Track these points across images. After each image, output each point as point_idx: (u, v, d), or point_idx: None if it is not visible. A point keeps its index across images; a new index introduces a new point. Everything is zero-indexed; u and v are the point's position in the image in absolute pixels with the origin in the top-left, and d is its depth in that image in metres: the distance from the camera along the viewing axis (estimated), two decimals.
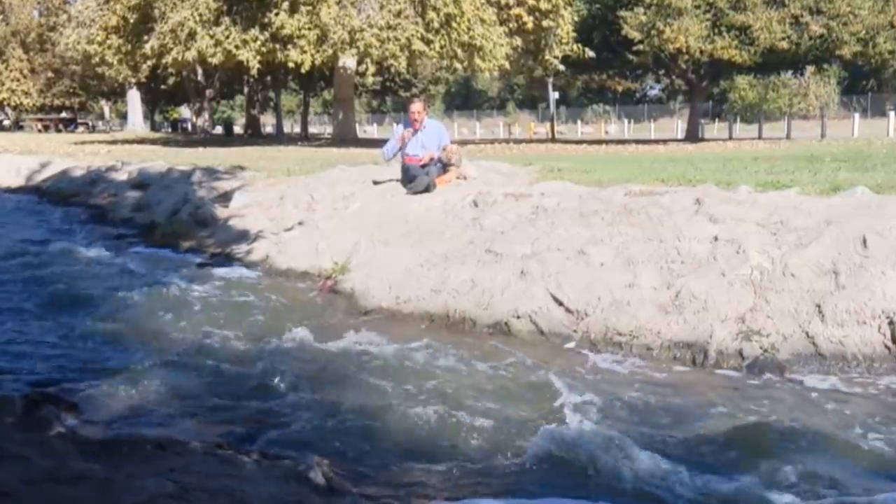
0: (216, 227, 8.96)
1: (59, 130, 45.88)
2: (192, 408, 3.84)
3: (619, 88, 41.39)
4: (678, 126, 40.65)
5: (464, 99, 70.68)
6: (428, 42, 20.92)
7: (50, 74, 47.12)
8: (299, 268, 7.15)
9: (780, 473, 3.08)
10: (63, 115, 52.05)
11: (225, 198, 9.87)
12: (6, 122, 51.48)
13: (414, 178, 8.06)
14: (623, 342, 4.89)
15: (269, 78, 35.39)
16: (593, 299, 5.18)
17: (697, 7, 24.35)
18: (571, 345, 5.02)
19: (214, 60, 21.44)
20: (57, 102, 49.80)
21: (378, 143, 17.51)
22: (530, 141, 30.98)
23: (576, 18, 26.09)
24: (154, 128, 49.99)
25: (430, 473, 3.13)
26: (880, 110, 36.92)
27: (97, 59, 25.10)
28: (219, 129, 42.12)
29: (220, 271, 7.28)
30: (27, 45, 47.03)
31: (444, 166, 8.29)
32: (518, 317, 5.27)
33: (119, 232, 9.96)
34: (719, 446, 3.36)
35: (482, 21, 21.64)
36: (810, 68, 31.56)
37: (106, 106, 63.45)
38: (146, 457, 2.78)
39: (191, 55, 21.09)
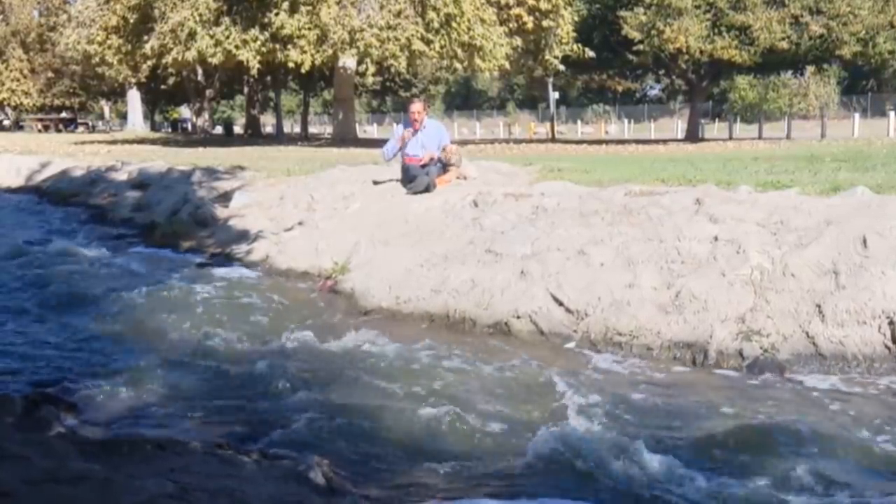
0: (216, 227, 8.96)
1: (59, 130, 45.88)
2: (192, 408, 3.84)
3: (619, 88, 41.40)
4: (678, 126, 40.66)
5: (464, 99, 70.68)
6: (428, 42, 20.92)
7: (50, 74, 47.12)
8: (299, 268, 7.15)
9: (781, 473, 3.08)
10: (63, 115, 52.05)
11: (225, 198, 9.87)
12: (6, 122, 51.48)
13: (414, 178, 8.06)
14: (623, 342, 4.89)
15: (269, 78, 35.39)
16: (593, 299, 5.18)
17: (697, 7, 24.36)
18: (571, 345, 5.02)
19: (214, 60, 21.44)
20: (57, 102, 49.81)
21: (378, 143, 17.51)
22: (530, 141, 30.98)
23: (576, 18, 26.08)
24: (154, 128, 49.99)
25: (430, 473, 3.13)
26: (880, 110, 36.92)
27: (97, 59, 25.10)
28: (219, 129, 42.12)
29: (220, 271, 7.28)
30: (27, 45, 47.03)
31: (444, 166, 8.29)
32: (518, 317, 5.27)
33: (119, 232, 9.96)
34: (719, 446, 3.36)
35: (482, 21, 21.64)
36: (810, 68, 31.57)
37: (106, 106, 63.45)
38: (146, 457, 2.78)
39: (191, 55, 21.09)
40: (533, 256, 5.76)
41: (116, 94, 50.28)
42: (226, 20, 21.07)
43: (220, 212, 9.33)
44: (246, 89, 38.39)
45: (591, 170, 9.97)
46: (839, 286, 4.68)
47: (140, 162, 14.33)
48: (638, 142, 27.07)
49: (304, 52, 20.42)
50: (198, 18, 20.52)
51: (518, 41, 24.07)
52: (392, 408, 3.77)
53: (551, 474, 3.10)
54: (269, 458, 3.03)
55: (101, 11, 24.25)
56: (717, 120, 45.92)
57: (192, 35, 20.67)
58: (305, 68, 21.33)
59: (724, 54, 24.37)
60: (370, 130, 51.14)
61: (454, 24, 20.99)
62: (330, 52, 20.58)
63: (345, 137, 25.82)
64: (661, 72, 32.53)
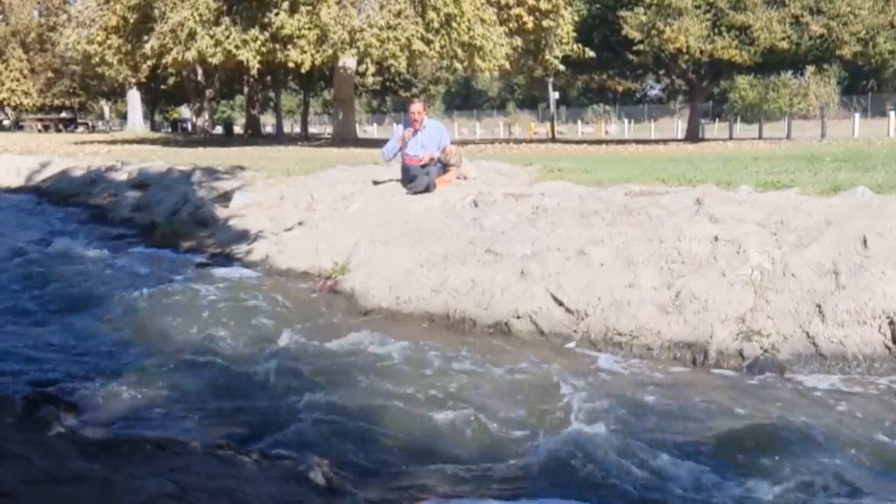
0: (216, 227, 8.96)
1: (59, 130, 45.88)
2: (192, 408, 3.84)
3: (620, 88, 41.40)
4: (678, 126, 40.66)
5: (464, 99, 70.68)
6: (428, 42, 20.91)
7: (50, 74, 47.12)
8: (299, 268, 7.15)
9: (781, 473, 3.07)
10: (63, 115, 52.05)
11: (225, 198, 9.87)
12: (6, 122, 51.48)
13: (414, 178, 8.06)
14: (623, 342, 4.89)
15: (269, 78, 35.40)
16: (593, 299, 5.18)
17: (697, 7, 24.35)
18: (572, 345, 5.02)
19: (214, 60, 21.44)
20: (57, 102, 49.81)
21: (378, 143, 17.51)
22: (530, 141, 30.98)
23: (576, 18, 26.08)
24: (154, 128, 49.99)
25: (430, 473, 3.13)
26: (880, 110, 36.93)
27: (97, 59, 25.10)
28: (219, 129, 42.13)
29: (220, 271, 7.28)
30: (27, 45, 47.03)
31: (444, 166, 8.29)
32: (518, 317, 5.27)
33: (119, 232, 9.96)
34: (720, 446, 3.36)
35: (482, 21, 21.64)
36: (810, 68, 31.56)
37: (106, 106, 63.46)
38: (146, 457, 2.77)
39: (191, 55, 21.09)
40: (533, 256, 5.76)
41: (116, 94, 50.28)
42: (226, 20, 21.07)
43: (220, 212, 9.33)
44: (246, 89, 38.39)
45: (592, 170, 9.97)
46: (839, 286, 4.68)
47: (140, 162, 14.33)
48: (638, 142, 27.07)
49: (304, 52, 20.42)
50: (198, 18, 20.52)
51: (518, 41, 24.07)
52: (392, 408, 3.77)
53: (551, 474, 3.10)
54: (269, 458, 3.02)
55: (101, 11, 24.25)
56: (717, 120, 45.91)
57: (192, 35, 20.67)
58: (305, 68, 21.33)
59: (725, 54, 24.37)
60: (370, 130, 51.14)
61: (454, 24, 20.99)
62: (330, 52, 20.58)
63: (345, 137, 25.82)
64: (662, 72, 32.53)
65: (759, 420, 3.67)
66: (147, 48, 22.12)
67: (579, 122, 53.02)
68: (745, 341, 4.59)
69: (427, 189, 7.92)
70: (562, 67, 27.33)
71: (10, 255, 7.88)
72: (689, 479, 3.05)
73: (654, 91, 59.44)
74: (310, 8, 20.18)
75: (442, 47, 21.32)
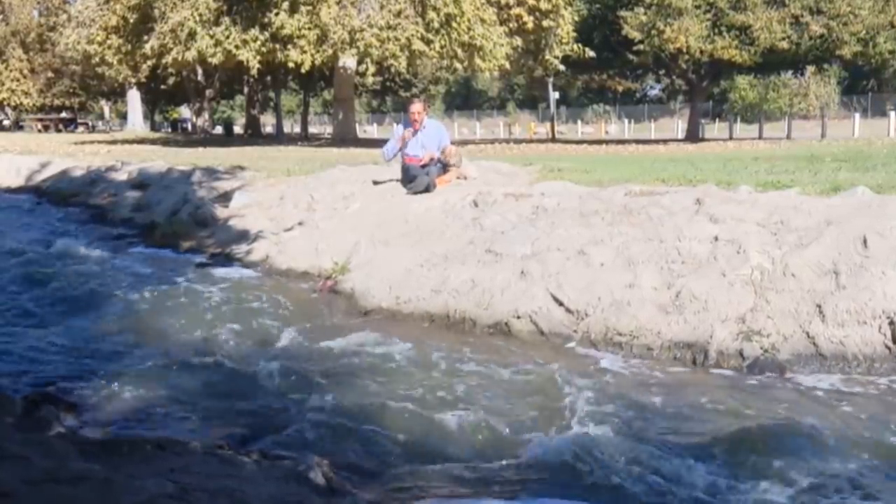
0: (216, 227, 8.96)
1: (59, 130, 45.88)
2: (193, 408, 3.84)
3: (620, 88, 41.39)
4: (678, 126, 40.66)
5: (464, 99, 70.68)
6: (428, 42, 20.91)
7: (50, 74, 47.12)
8: (299, 268, 7.14)
9: (780, 473, 3.07)
10: (63, 115, 52.05)
11: (225, 198, 9.87)
12: (6, 122, 51.48)
13: (414, 178, 8.06)
14: (623, 342, 4.89)
15: (269, 78, 35.40)
16: (593, 299, 5.18)
17: (698, 7, 24.35)
18: (572, 345, 5.02)
19: (214, 60, 21.44)
20: (57, 102, 49.81)
21: (378, 143, 17.51)
22: (530, 141, 30.98)
23: (576, 18, 26.08)
24: (154, 128, 49.99)
25: (430, 473, 3.13)
26: (881, 110, 36.93)
27: (97, 59, 25.10)
28: (219, 129, 42.13)
29: (220, 271, 7.28)
30: (27, 45, 47.03)
31: (444, 166, 8.29)
32: (518, 317, 5.27)
33: (119, 232, 9.96)
34: (720, 446, 3.36)
35: (482, 21, 21.64)
36: (810, 68, 31.55)
37: (106, 106, 63.46)
38: (146, 457, 2.77)
39: (191, 55, 21.09)
40: (533, 256, 5.76)
41: (116, 94, 50.28)
42: (226, 20, 21.07)
43: (220, 212, 9.33)
44: (246, 89, 38.39)
45: (592, 170, 9.97)
46: (839, 286, 4.68)
47: (140, 162, 14.33)
48: (638, 142, 27.07)
49: (304, 52, 20.42)
50: (198, 18, 20.52)
51: (518, 41, 24.07)
52: (392, 408, 3.77)
53: (551, 474, 3.10)
54: (269, 458, 3.02)
55: (101, 11, 24.25)
56: (717, 120, 45.91)
57: (192, 35, 20.67)
58: (305, 68, 21.33)
59: (725, 54, 24.37)
60: (370, 130, 51.14)
61: (454, 24, 20.99)
62: (330, 52, 20.58)
63: (345, 137, 25.82)
64: (662, 72, 32.53)
65: (759, 420, 3.66)
66: (147, 48, 22.12)
67: (579, 122, 53.02)
68: (745, 341, 4.59)
69: (427, 189, 7.92)
70: (562, 67, 27.33)
71: (10, 255, 7.88)
72: (689, 479, 3.05)
73: (654, 91, 59.44)
74: (310, 8, 20.18)
75: (442, 47, 21.32)
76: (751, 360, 4.47)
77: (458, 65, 23.05)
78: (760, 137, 29.09)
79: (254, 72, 23.14)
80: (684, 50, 24.32)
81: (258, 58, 21.13)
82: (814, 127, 31.35)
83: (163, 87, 43.18)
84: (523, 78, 40.67)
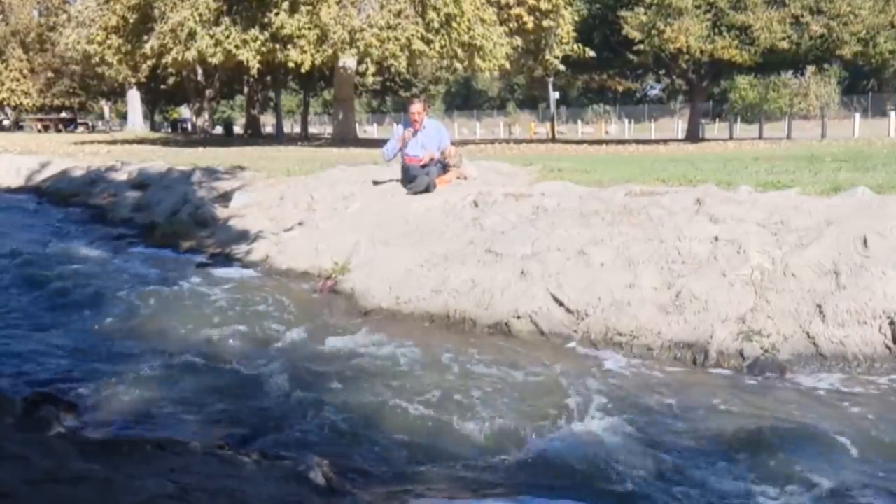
0: (216, 227, 8.96)
1: (58, 130, 45.87)
2: (192, 408, 3.84)
3: (620, 88, 41.38)
4: (679, 126, 40.66)
5: (464, 99, 70.68)
6: (428, 42, 20.91)
7: (50, 74, 47.11)
8: (299, 268, 7.14)
9: (780, 473, 3.07)
10: (63, 115, 52.04)
11: (225, 198, 9.87)
12: (6, 122, 51.47)
13: (414, 178, 8.06)
14: (623, 342, 4.89)
15: (269, 78, 35.39)
16: (594, 299, 5.18)
17: (698, 7, 24.35)
18: (572, 345, 5.01)
19: (214, 60, 21.43)
20: (57, 102, 49.80)
21: (378, 143, 17.51)
22: (530, 141, 30.98)
23: (576, 18, 26.07)
24: (154, 128, 49.98)
25: (430, 473, 3.13)
26: (881, 110, 36.93)
27: (97, 59, 25.09)
28: (219, 129, 42.12)
29: (220, 271, 7.28)
30: (27, 45, 47.02)
31: (444, 166, 8.29)
32: (518, 317, 5.27)
33: (119, 232, 9.95)
34: (720, 446, 3.36)
35: (482, 21, 21.63)
36: (811, 68, 31.55)
37: (106, 106, 63.45)
38: (146, 457, 2.77)
39: (191, 55, 21.08)
40: (533, 256, 5.76)
41: (116, 94, 50.28)
42: (226, 20, 21.06)
43: (220, 212, 9.33)
44: (246, 89, 38.39)
45: (592, 170, 9.97)
46: (840, 286, 4.68)
47: (140, 162, 14.33)
48: (638, 142, 27.07)
49: (304, 52, 20.42)
50: (198, 18, 20.51)
51: (518, 41, 24.07)
52: (392, 408, 3.77)
53: (552, 474, 3.10)
54: (269, 458, 3.02)
55: (100, 11, 24.25)
56: (717, 120, 45.91)
57: (192, 35, 20.66)
58: (305, 68, 21.33)
59: (725, 54, 24.36)
60: (370, 130, 51.13)
61: (454, 24, 20.99)
62: (330, 52, 20.58)
63: (345, 137, 25.82)
64: (662, 72, 32.52)
65: (759, 420, 3.66)
66: (147, 48, 22.12)
67: (579, 122, 53.02)
68: (745, 341, 4.58)
69: (427, 189, 7.92)
70: (562, 67, 27.32)
71: (11, 255, 7.88)
72: (689, 479, 3.05)
73: (655, 91, 59.44)
74: (310, 8, 20.18)
75: (442, 47, 21.32)
76: (751, 360, 4.47)
77: (458, 65, 23.04)
78: (760, 137, 29.09)
79: (254, 72, 23.13)
80: (684, 50, 24.31)
81: (258, 58, 21.13)
82: (814, 127, 31.35)
83: (163, 87, 43.18)
84: (523, 78, 40.67)
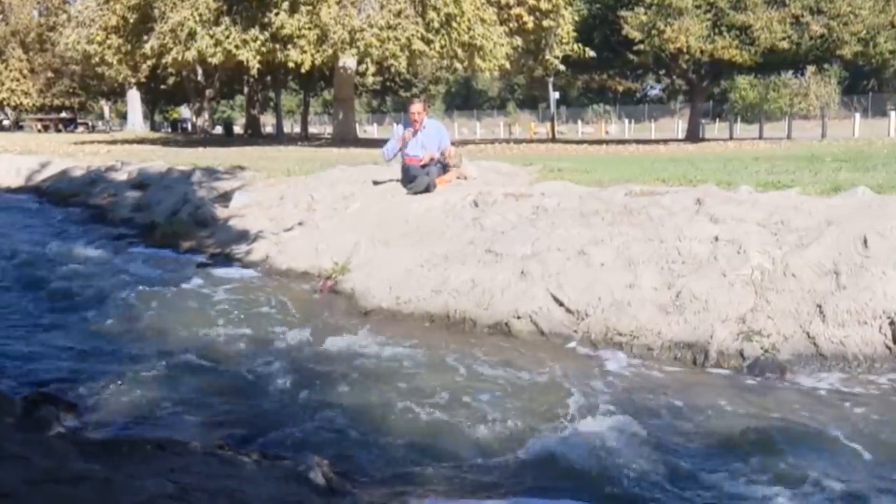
0: (216, 227, 8.96)
1: (58, 130, 45.88)
2: (192, 408, 3.84)
3: (620, 88, 41.37)
4: (679, 126, 40.66)
5: (464, 99, 70.68)
6: (428, 42, 20.91)
7: (50, 74, 47.11)
8: (299, 268, 7.14)
9: (781, 473, 3.07)
10: (63, 115, 52.04)
11: (225, 198, 9.87)
12: (6, 122, 51.48)
13: (414, 179, 8.06)
14: (624, 342, 4.89)
15: (269, 78, 35.39)
16: (594, 299, 5.18)
17: (698, 7, 24.35)
18: (572, 345, 5.01)
19: (214, 60, 21.43)
20: (57, 102, 49.80)
21: (378, 143, 17.51)
22: (531, 141, 30.98)
23: (576, 18, 26.07)
24: (154, 128, 49.98)
25: (431, 473, 3.13)
26: (881, 110, 36.93)
27: (97, 59, 25.09)
28: (219, 129, 42.12)
29: (220, 271, 7.27)
30: (27, 45, 47.02)
31: (444, 166, 8.29)
32: (518, 317, 5.27)
33: (119, 232, 9.95)
34: (720, 447, 3.36)
35: (482, 21, 21.63)
36: (811, 68, 31.57)
37: (106, 106, 63.46)
38: (146, 457, 2.77)
39: (191, 55, 21.08)
40: (533, 256, 5.76)
41: (116, 94, 50.28)
42: (226, 20, 21.06)
43: (220, 212, 9.33)
44: (246, 89, 38.38)
45: (592, 170, 9.97)
46: (840, 286, 4.68)
47: (140, 162, 14.33)
48: (638, 142, 27.07)
49: (304, 52, 20.41)
50: (198, 18, 20.51)
51: (518, 41, 24.06)
52: (392, 408, 3.77)
53: (552, 474, 3.10)
54: (269, 458, 3.02)
55: (100, 11, 24.24)
56: (717, 120, 45.91)
57: (192, 35, 20.66)
58: (305, 68, 21.32)
59: (725, 54, 24.36)
60: (370, 130, 51.14)
61: (454, 24, 20.98)
62: (330, 52, 20.57)
63: (345, 137, 25.82)
64: (662, 72, 32.52)
65: (759, 420, 3.66)
66: (147, 48, 22.11)
67: (579, 122, 53.02)
68: (745, 341, 4.58)
69: (427, 189, 7.92)
70: (562, 67, 27.32)
71: (11, 255, 7.88)
72: (689, 479, 3.05)
73: (655, 91, 59.44)
74: (310, 8, 20.18)
75: (442, 47, 21.32)
76: (751, 361, 4.47)
77: (458, 65, 23.04)
78: (761, 137, 29.09)
79: (254, 72, 23.13)
80: (684, 50, 24.31)
81: (258, 58, 21.12)
82: (814, 127, 31.36)
83: (163, 87, 43.18)
84: (523, 78, 40.67)
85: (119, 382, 4.07)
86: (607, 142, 28.04)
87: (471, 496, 2.93)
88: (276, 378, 4.15)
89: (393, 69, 29.22)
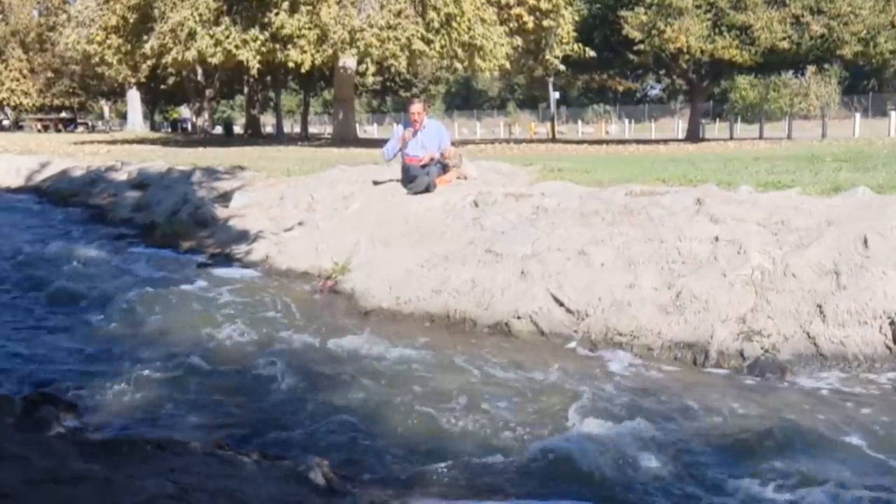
0: (216, 227, 8.95)
1: (58, 130, 45.88)
2: (192, 408, 3.84)
3: (620, 88, 41.38)
4: (679, 126, 40.66)
5: (464, 99, 70.68)
6: (428, 42, 20.91)
7: (50, 74, 47.11)
8: (299, 268, 7.14)
9: (781, 474, 3.07)
10: (63, 115, 52.05)
11: (225, 198, 9.87)
12: (6, 122, 51.48)
13: (414, 179, 8.06)
14: (624, 342, 4.89)
15: (269, 78, 35.39)
16: (594, 300, 5.17)
17: (698, 7, 24.35)
18: (572, 345, 5.01)
19: (214, 60, 21.43)
20: (57, 102, 49.80)
21: (378, 143, 17.50)
22: (531, 141, 30.97)
23: (576, 18, 26.07)
24: (154, 128, 49.98)
25: (430, 473, 3.13)
26: (881, 110, 36.94)
27: (97, 59, 25.09)
28: (219, 129, 42.12)
29: (220, 271, 7.27)
30: (27, 45, 47.02)
31: (444, 166, 8.29)
32: (518, 317, 5.27)
33: (119, 232, 9.96)
34: (720, 447, 3.36)
35: (482, 21, 21.63)
36: (811, 68, 31.57)
37: (106, 106, 63.46)
38: (146, 457, 2.77)
39: (191, 55, 21.08)
40: (533, 256, 5.76)
41: (116, 94, 50.27)
42: (226, 20, 21.06)
43: (220, 212, 9.33)
44: (246, 89, 38.38)
45: (592, 170, 9.96)
46: (840, 286, 4.67)
47: (140, 162, 14.33)
48: (638, 142, 27.07)
49: (304, 51, 20.41)
50: (198, 18, 20.51)
51: (518, 41, 24.06)
52: (392, 408, 3.77)
53: (552, 474, 3.10)
54: (269, 458, 3.02)
55: (100, 11, 24.24)
56: (717, 120, 45.91)
57: (191, 35, 20.66)
58: (305, 68, 21.32)
59: (725, 54, 24.36)
60: (370, 130, 51.13)
61: (454, 24, 20.98)
62: (330, 51, 20.57)
63: (345, 137, 25.81)
64: (662, 72, 32.53)
65: (759, 420, 3.66)
66: (147, 48, 22.12)
67: (580, 121, 53.02)
68: (745, 341, 4.58)
69: (427, 189, 7.92)
70: (562, 67, 27.32)
71: (11, 255, 7.88)
72: (690, 479, 3.05)
73: (655, 91, 59.45)
74: (310, 8, 20.18)
75: (442, 47, 21.32)
76: (751, 361, 4.47)
77: (458, 65, 23.05)
78: (761, 137, 29.09)
79: (254, 72, 23.13)
80: (685, 50, 24.32)
81: (258, 58, 21.12)
82: (814, 127, 31.37)
83: (163, 87, 43.17)
84: (523, 78, 40.67)
85: (119, 382, 4.07)
86: (607, 142, 28.03)
87: (471, 497, 2.93)
88: (275, 378, 4.15)
89: (393, 69, 29.22)
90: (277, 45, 20.86)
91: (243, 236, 8.27)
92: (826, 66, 31.35)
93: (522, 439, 3.47)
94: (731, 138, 31.16)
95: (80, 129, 49.12)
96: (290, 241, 7.66)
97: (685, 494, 2.94)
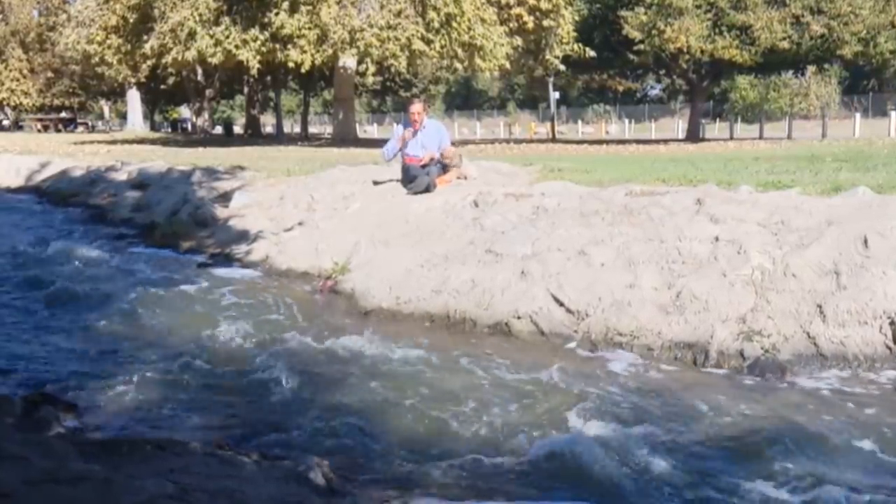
0: (216, 227, 8.95)
1: (58, 130, 45.89)
2: (192, 408, 3.84)
3: (620, 88, 41.38)
4: (679, 126, 40.66)
5: (464, 99, 70.68)
6: (428, 42, 20.91)
7: (49, 74, 47.12)
8: (299, 268, 7.14)
9: (781, 474, 3.07)
10: (63, 115, 52.05)
11: (225, 198, 9.87)
12: (6, 122, 51.48)
13: (414, 179, 8.06)
14: (624, 342, 4.89)
15: (269, 78, 35.39)
16: (594, 300, 5.17)
17: (698, 7, 24.35)
18: (572, 345, 5.01)
19: (214, 60, 21.43)
20: (57, 102, 49.81)
21: (378, 143, 17.51)
22: (531, 141, 30.97)
23: (576, 18, 26.07)
24: (154, 128, 49.98)
25: (431, 474, 3.13)
26: (881, 110, 36.94)
27: (97, 58, 25.09)
28: (219, 129, 42.12)
29: (219, 271, 7.27)
30: (27, 44, 47.03)
31: (444, 166, 8.29)
32: (518, 317, 5.27)
33: (119, 232, 9.95)
34: (720, 447, 3.36)
35: (482, 21, 21.63)
36: (811, 68, 31.58)
37: (106, 106, 63.47)
38: (146, 457, 2.77)
39: (191, 55, 21.08)
40: (533, 257, 5.76)
41: (116, 94, 50.28)
42: (226, 20, 21.06)
43: (220, 212, 9.33)
44: (246, 89, 38.39)
45: (592, 170, 9.96)
46: (840, 286, 4.67)
47: (140, 162, 14.33)
48: (638, 142, 27.07)
49: (304, 51, 20.41)
50: (198, 18, 20.51)
51: (518, 41, 24.06)
52: (392, 408, 3.77)
53: (552, 475, 3.10)
54: (269, 458, 3.02)
55: (100, 11, 24.24)
56: (717, 120, 45.91)
57: (191, 35, 20.66)
58: (305, 68, 21.32)
59: (725, 54, 24.36)
60: (370, 130, 51.13)
61: (454, 24, 20.98)
62: (330, 51, 20.57)
63: (345, 137, 25.81)
64: (662, 72, 32.52)
65: (760, 420, 3.66)
66: (147, 48, 22.12)
67: (580, 121, 53.01)
68: (745, 341, 4.58)
69: (427, 189, 7.92)
70: (562, 67, 27.32)
71: (11, 255, 7.88)
72: (689, 479, 3.05)
73: (655, 91, 59.45)
74: (310, 8, 20.18)
75: (442, 47, 21.32)
76: (751, 361, 4.47)
77: (458, 65, 23.04)
78: (761, 137, 29.10)
79: (254, 72, 23.13)
80: (685, 50, 24.32)
81: (258, 58, 21.12)
82: (814, 127, 31.37)
83: (163, 87, 43.18)
84: (523, 78, 40.67)
85: (119, 382, 4.07)
86: (607, 142, 28.03)
87: (471, 497, 2.93)
88: (275, 378, 4.15)
89: (393, 69, 29.21)
90: (277, 45, 20.86)
91: (243, 236, 8.27)
92: (826, 66, 31.36)
93: (522, 439, 3.46)
94: (731, 138, 31.17)
95: (80, 129, 49.13)
96: (290, 241, 7.66)
97: (686, 494, 2.94)
